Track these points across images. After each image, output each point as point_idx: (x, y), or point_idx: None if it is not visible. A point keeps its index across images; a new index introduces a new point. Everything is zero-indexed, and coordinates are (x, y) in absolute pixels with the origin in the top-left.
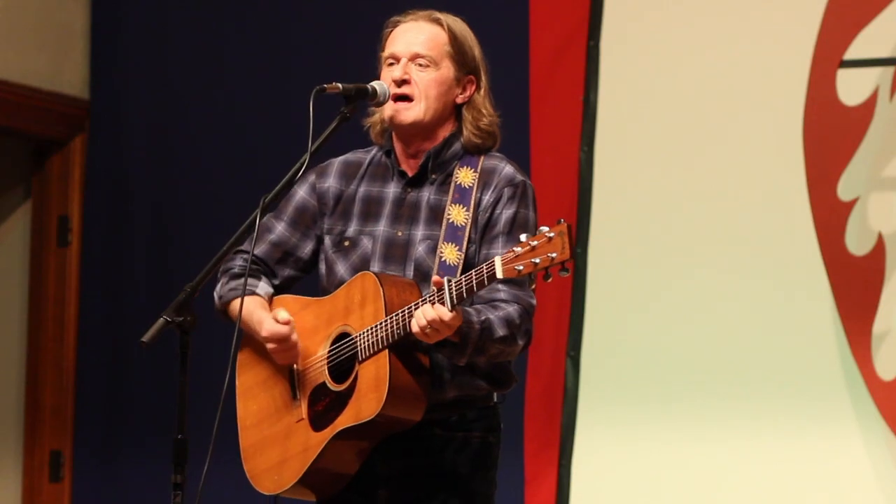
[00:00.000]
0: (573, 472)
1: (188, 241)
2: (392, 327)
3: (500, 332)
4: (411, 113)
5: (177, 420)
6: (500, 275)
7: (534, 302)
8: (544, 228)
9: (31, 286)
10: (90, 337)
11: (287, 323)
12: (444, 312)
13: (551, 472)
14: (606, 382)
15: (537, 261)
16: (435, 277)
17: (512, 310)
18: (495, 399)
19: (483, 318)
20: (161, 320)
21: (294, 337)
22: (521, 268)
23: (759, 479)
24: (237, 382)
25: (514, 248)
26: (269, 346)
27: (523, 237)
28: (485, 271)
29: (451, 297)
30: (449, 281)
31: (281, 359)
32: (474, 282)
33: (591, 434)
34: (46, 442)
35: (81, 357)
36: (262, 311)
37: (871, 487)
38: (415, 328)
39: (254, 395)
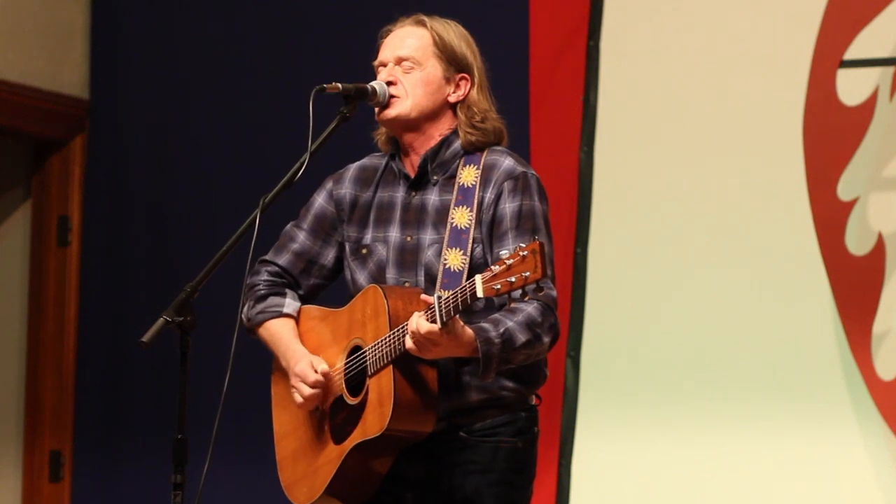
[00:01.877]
0: (573, 472)
1: (188, 241)
2: (394, 342)
3: (523, 337)
4: (395, 109)
5: (177, 420)
6: (480, 293)
7: (554, 294)
8: (521, 245)
9: (31, 286)
10: (90, 337)
11: (324, 375)
12: (422, 326)
13: (551, 472)
14: (606, 382)
15: (513, 280)
16: (423, 296)
17: (531, 309)
18: (531, 401)
19: (502, 329)
20: (161, 320)
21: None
22: (499, 287)
23: (759, 479)
24: (272, 392)
25: (492, 267)
26: (301, 393)
27: (503, 253)
28: (467, 290)
29: (440, 315)
30: (439, 298)
31: (304, 404)
32: (459, 300)
33: (591, 434)
34: (46, 442)
35: (81, 357)
36: (293, 343)
37: (871, 487)
38: (408, 344)
39: (285, 405)
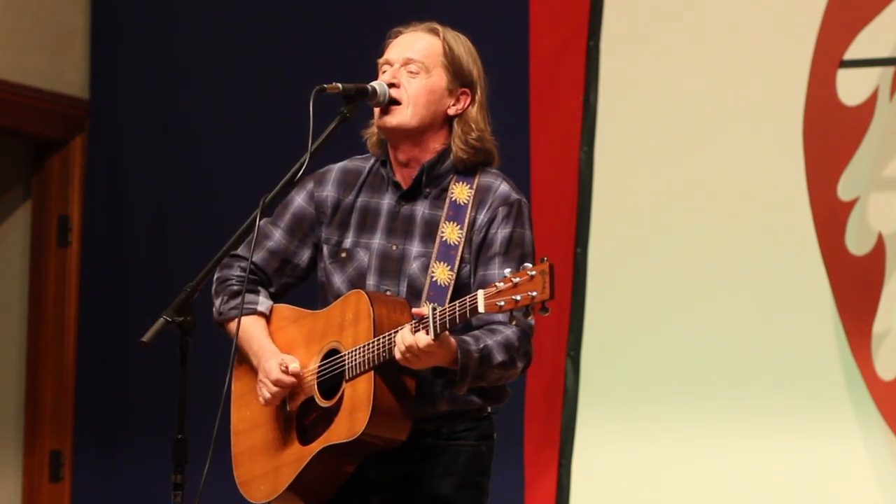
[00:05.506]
0: (573, 472)
1: (188, 241)
2: (378, 349)
3: (499, 357)
4: (396, 117)
5: (177, 420)
6: (481, 309)
7: (532, 323)
8: (527, 265)
9: (31, 286)
10: (90, 337)
11: (295, 375)
12: (420, 339)
13: (551, 472)
14: (606, 382)
15: (518, 298)
16: (415, 309)
17: (510, 332)
18: (489, 410)
19: (482, 345)
20: (161, 320)
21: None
22: (503, 304)
23: (759, 479)
24: (233, 387)
25: (497, 284)
26: (268, 389)
27: (507, 272)
28: (468, 304)
29: (434, 326)
30: (434, 310)
31: (269, 401)
32: (457, 313)
33: (591, 434)
34: (46, 442)
35: (81, 357)
36: (266, 342)
37: (871, 487)
38: (396, 354)
39: (246, 402)
